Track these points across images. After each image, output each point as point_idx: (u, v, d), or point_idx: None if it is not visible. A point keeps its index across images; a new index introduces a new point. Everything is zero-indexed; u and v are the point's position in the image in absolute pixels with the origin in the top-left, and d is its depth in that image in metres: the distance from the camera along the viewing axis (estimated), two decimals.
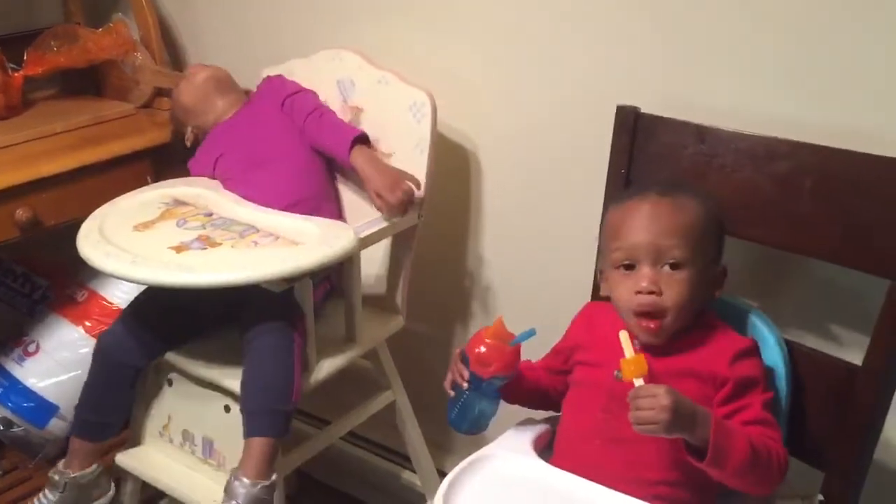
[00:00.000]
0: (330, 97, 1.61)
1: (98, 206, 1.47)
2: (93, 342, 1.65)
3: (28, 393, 1.69)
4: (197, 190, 1.53)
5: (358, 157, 1.48)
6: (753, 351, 1.09)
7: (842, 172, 1.09)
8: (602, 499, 1.03)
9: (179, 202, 1.49)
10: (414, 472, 1.75)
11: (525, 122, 1.50)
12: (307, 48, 1.67)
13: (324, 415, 1.76)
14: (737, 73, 1.25)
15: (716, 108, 1.24)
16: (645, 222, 1.09)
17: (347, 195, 1.62)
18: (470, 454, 1.12)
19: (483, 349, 1.11)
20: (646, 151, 1.25)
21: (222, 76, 1.68)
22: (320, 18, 1.72)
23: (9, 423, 1.70)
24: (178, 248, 1.32)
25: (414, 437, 1.68)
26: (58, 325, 1.75)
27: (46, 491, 1.48)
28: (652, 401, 0.96)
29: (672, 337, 1.09)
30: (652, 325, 1.08)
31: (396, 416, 1.65)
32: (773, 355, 1.14)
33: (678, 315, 1.07)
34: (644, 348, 1.07)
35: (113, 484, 1.54)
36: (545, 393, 1.21)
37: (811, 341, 1.22)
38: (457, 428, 1.17)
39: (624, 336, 1.04)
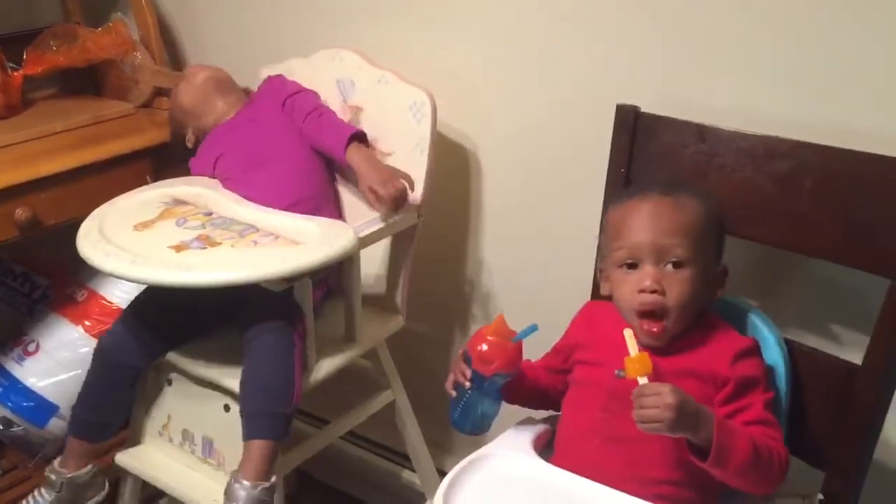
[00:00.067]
0: (329, 97, 1.61)
1: (97, 205, 1.47)
2: (92, 342, 1.65)
3: (28, 392, 1.69)
4: (197, 189, 1.53)
5: (354, 155, 1.48)
6: (754, 351, 1.10)
7: (842, 172, 1.09)
8: (602, 498, 1.03)
9: (179, 201, 1.49)
10: (414, 471, 1.75)
11: (525, 122, 1.50)
12: (307, 48, 1.66)
13: (323, 414, 1.76)
14: (737, 72, 1.25)
15: (716, 109, 1.24)
16: (647, 221, 1.10)
17: (347, 195, 1.62)
18: (470, 453, 1.12)
19: (485, 347, 1.11)
20: (646, 151, 1.25)
21: (222, 77, 1.68)
22: (320, 18, 1.72)
23: (8, 423, 1.69)
24: (178, 248, 1.31)
25: (414, 437, 1.68)
26: (57, 324, 1.75)
27: (42, 490, 1.48)
28: (657, 399, 0.96)
29: (673, 337, 1.09)
30: (655, 329, 1.08)
31: (396, 415, 1.65)
32: (774, 355, 1.14)
33: (680, 315, 1.08)
34: (645, 348, 1.07)
35: (107, 483, 1.54)
36: (545, 392, 1.21)
37: (811, 341, 1.22)
38: (459, 428, 1.17)
39: (628, 334, 1.04)
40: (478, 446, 1.15)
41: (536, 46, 1.44)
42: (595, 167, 1.31)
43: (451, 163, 1.60)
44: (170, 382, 1.48)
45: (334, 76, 1.61)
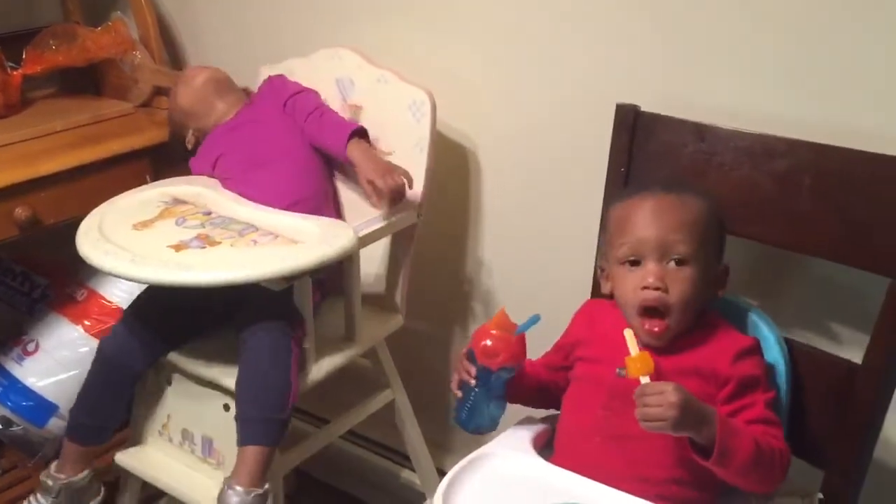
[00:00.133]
0: (329, 96, 1.61)
1: (97, 204, 1.47)
2: (92, 341, 1.65)
3: (27, 392, 1.69)
4: (196, 189, 1.53)
5: (354, 150, 1.48)
6: (755, 349, 1.10)
7: (840, 170, 1.09)
8: (602, 497, 1.03)
9: (178, 201, 1.49)
10: (413, 470, 1.75)
11: (525, 122, 1.50)
12: (306, 47, 1.66)
13: (323, 413, 1.76)
14: (737, 72, 1.26)
15: (716, 109, 1.24)
16: (651, 218, 1.10)
17: (347, 195, 1.62)
18: (469, 453, 1.12)
19: (489, 341, 1.11)
20: (645, 150, 1.25)
21: (221, 77, 1.68)
22: (320, 18, 1.72)
23: (8, 423, 1.69)
24: (178, 247, 1.32)
25: (413, 436, 1.68)
26: (57, 324, 1.74)
27: (38, 495, 1.47)
28: (660, 398, 0.96)
29: (674, 336, 1.09)
30: (656, 329, 1.08)
31: (396, 414, 1.65)
32: (774, 354, 1.14)
33: (682, 313, 1.08)
34: (646, 347, 1.07)
35: (103, 487, 1.53)
36: (546, 389, 1.21)
37: (811, 340, 1.22)
38: (465, 427, 1.16)
39: (629, 333, 1.04)
40: (477, 445, 1.15)
41: (536, 46, 1.44)
42: (595, 167, 1.31)
43: (451, 162, 1.60)
44: (169, 382, 1.48)
45: (334, 75, 1.61)
